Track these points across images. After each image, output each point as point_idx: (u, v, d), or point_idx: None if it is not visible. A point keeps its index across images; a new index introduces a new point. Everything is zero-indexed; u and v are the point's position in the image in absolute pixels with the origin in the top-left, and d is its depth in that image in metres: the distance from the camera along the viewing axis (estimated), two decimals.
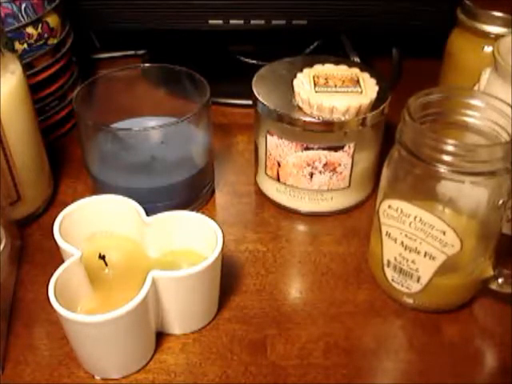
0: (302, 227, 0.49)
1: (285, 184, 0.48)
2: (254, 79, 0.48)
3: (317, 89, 0.44)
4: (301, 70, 0.46)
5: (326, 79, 0.45)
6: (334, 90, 0.44)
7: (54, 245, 0.38)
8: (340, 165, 0.46)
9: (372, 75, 0.46)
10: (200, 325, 0.40)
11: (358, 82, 0.45)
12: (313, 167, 0.46)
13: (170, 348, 0.39)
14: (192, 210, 0.41)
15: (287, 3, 0.60)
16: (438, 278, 0.38)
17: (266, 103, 0.45)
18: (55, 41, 0.54)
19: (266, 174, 0.49)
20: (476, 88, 0.45)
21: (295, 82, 0.45)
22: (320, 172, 0.46)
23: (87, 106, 0.46)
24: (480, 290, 0.41)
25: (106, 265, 0.39)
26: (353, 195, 0.49)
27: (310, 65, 0.47)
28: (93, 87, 0.48)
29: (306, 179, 0.47)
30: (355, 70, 0.47)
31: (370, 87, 0.45)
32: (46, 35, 0.52)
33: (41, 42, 0.52)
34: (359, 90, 0.44)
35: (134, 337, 0.36)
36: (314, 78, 0.45)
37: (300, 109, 0.45)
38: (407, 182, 0.38)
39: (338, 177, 0.47)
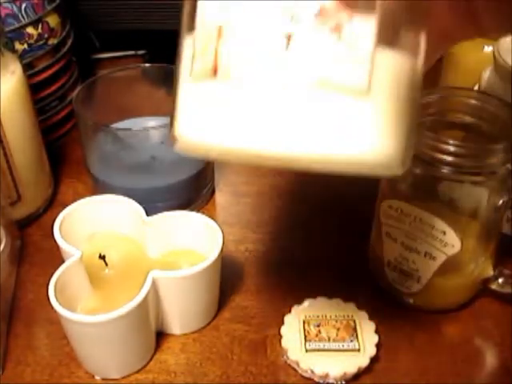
0: None
1: None
2: None
3: None
4: None
5: None
6: None
7: (54, 245, 0.38)
8: None
9: None
10: (200, 325, 0.40)
11: None
12: None
13: (170, 348, 0.39)
14: (192, 210, 0.41)
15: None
16: (438, 278, 0.38)
17: None
18: (55, 41, 0.54)
19: None
20: (476, 88, 0.45)
21: None
22: None
23: (87, 106, 0.46)
24: (480, 289, 0.41)
25: (106, 265, 0.39)
26: None
27: None
28: (93, 87, 0.48)
29: None
30: None
31: None
32: (46, 35, 0.52)
33: (41, 42, 0.52)
34: None
35: (133, 337, 0.36)
36: None
37: None
38: (407, 182, 0.38)
39: None
